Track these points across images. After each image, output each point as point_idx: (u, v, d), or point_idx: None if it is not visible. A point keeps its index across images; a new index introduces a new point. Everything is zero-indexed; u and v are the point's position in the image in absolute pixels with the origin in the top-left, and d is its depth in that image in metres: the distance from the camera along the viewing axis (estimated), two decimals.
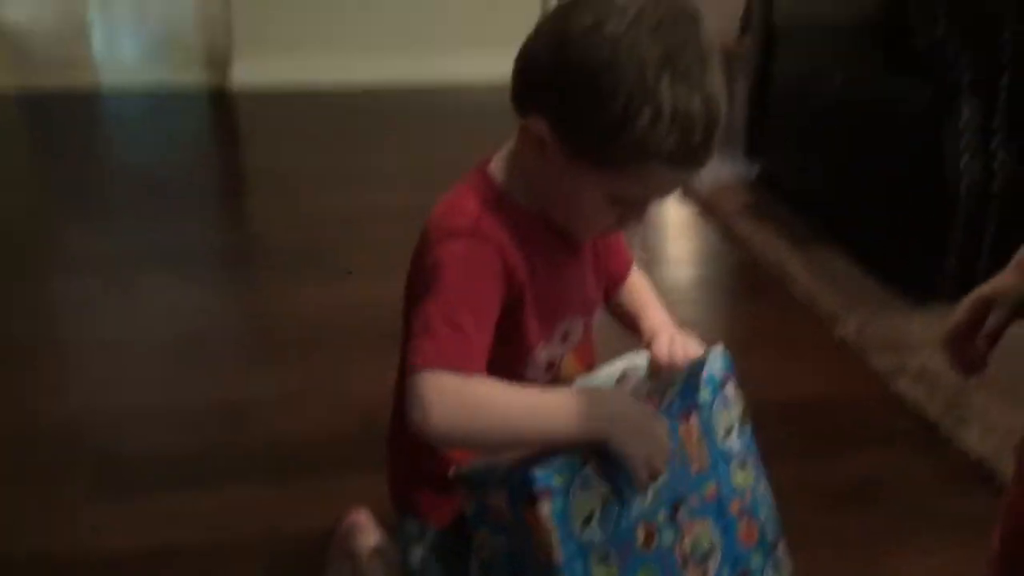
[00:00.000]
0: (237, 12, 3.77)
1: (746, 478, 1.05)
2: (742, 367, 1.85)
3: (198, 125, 3.62)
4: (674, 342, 1.05)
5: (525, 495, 0.90)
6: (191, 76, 4.00)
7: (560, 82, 0.85)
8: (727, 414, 1.05)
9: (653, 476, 0.91)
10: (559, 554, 0.91)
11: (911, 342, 1.87)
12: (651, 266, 2.32)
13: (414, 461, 1.03)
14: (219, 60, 3.95)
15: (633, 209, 0.92)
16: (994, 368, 1.77)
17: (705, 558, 0.99)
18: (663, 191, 0.92)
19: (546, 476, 0.90)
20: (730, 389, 1.06)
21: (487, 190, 0.94)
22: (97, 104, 3.75)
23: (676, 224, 2.60)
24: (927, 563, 1.34)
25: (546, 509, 0.90)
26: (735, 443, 1.04)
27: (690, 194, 2.70)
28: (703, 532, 0.99)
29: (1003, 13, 1.86)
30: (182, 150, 3.19)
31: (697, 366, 1.04)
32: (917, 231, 2.03)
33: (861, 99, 2.19)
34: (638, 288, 1.14)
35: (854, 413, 1.72)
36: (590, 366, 1.08)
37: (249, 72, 3.79)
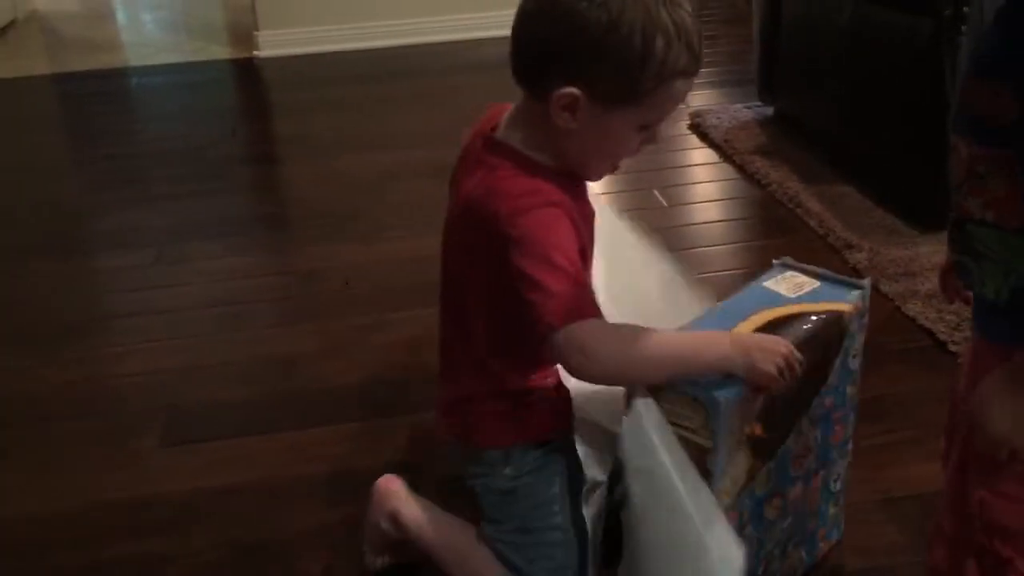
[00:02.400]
0: None
1: (854, 393, 1.24)
2: None
3: (227, 97, 3.74)
4: None
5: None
6: (218, 51, 4.13)
7: (582, 47, 0.97)
8: (860, 337, 1.23)
9: (788, 377, 1.03)
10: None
11: (920, 267, 1.95)
12: (672, 209, 2.41)
13: (493, 395, 1.15)
14: (244, 34, 4.06)
15: (652, 131, 1.06)
16: None
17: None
18: (679, 102, 1.05)
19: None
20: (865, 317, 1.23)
21: (526, 166, 1.05)
22: (127, 82, 3.88)
23: (695, 166, 2.69)
24: (934, 467, 1.43)
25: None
26: (854, 363, 1.22)
27: (708, 137, 2.78)
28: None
29: None
30: (214, 122, 3.30)
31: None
32: (922, 161, 2.10)
33: (866, 36, 2.25)
34: None
35: (869, 334, 1.79)
36: None
37: (274, 44, 3.89)
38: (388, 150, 2.86)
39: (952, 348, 1.71)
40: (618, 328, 1.01)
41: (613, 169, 1.12)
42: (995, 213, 0.84)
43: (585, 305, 1.00)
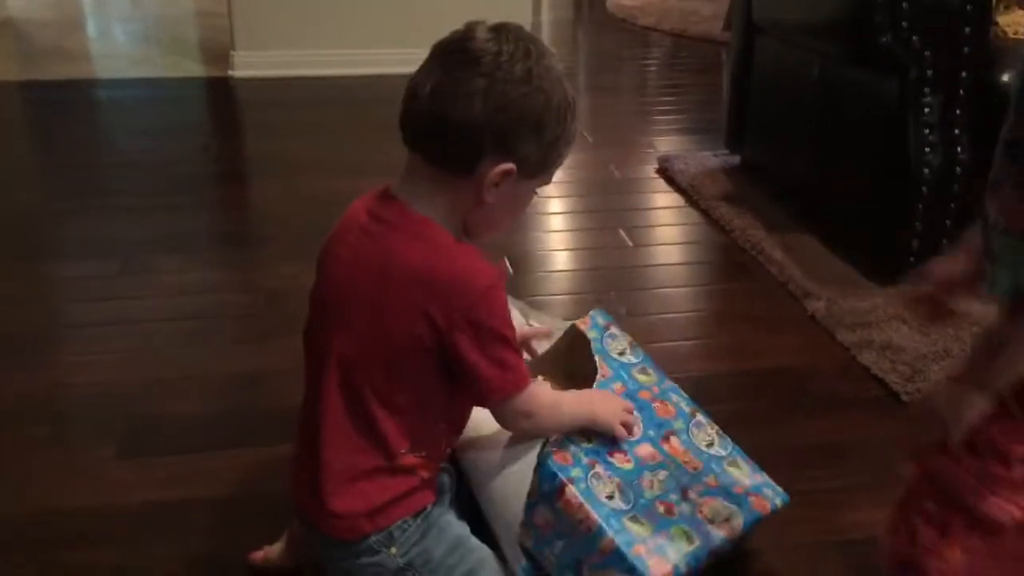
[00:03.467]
0: (237, 7, 3.89)
1: (648, 379, 1.39)
2: (720, 341, 2.01)
3: (199, 114, 3.74)
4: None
5: (556, 488, 1.19)
6: (192, 68, 4.13)
7: (516, 129, 1.06)
8: (615, 343, 1.41)
9: (627, 425, 1.28)
10: (595, 516, 1.17)
11: (876, 318, 2.01)
12: (637, 249, 2.46)
13: (377, 472, 1.14)
14: (219, 53, 4.07)
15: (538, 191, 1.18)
16: (950, 343, 1.92)
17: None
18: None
19: (564, 469, 1.20)
20: (614, 330, 1.44)
21: (457, 243, 1.11)
22: (98, 93, 3.87)
23: (661, 210, 2.74)
24: (883, 515, 1.47)
25: (571, 491, 1.18)
26: (631, 357, 1.42)
27: (675, 182, 2.83)
28: (716, 505, 1.29)
29: (962, 13, 1.99)
30: (185, 138, 3.31)
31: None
32: (884, 216, 2.17)
33: (834, 93, 2.32)
34: None
35: (823, 383, 1.85)
36: None
37: (249, 64, 3.91)
38: (357, 175, 2.86)
39: (904, 398, 1.76)
40: (544, 392, 1.23)
41: None
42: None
43: (527, 376, 1.16)
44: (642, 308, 2.14)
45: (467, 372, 1.09)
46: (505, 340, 1.10)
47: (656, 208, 2.77)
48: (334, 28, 3.95)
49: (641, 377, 1.40)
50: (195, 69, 4.13)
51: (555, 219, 2.67)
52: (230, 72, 3.92)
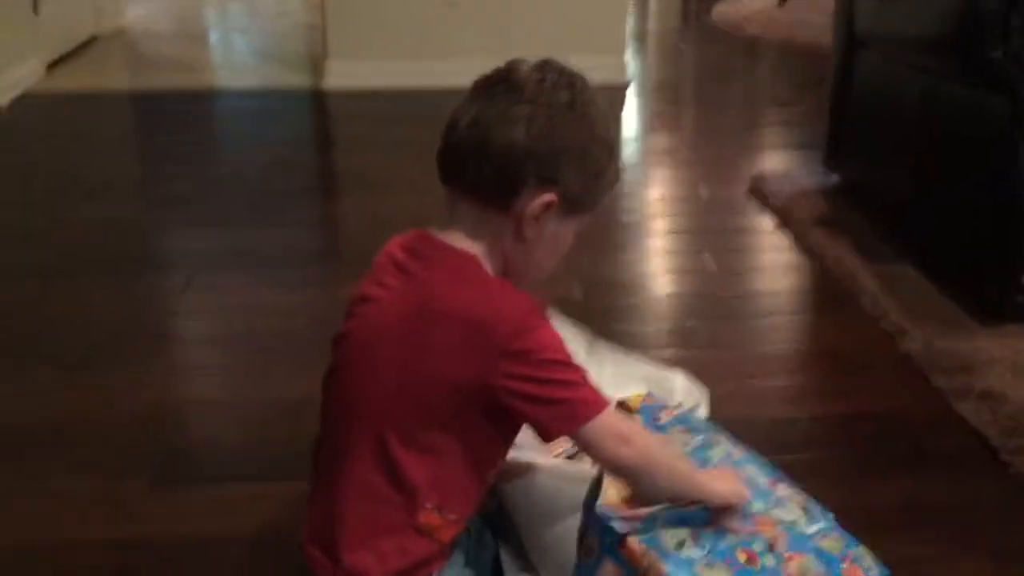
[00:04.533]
0: (332, 21, 3.88)
1: (720, 451, 1.22)
2: (803, 380, 1.85)
3: (290, 126, 3.75)
4: None
5: (617, 538, 1.06)
6: (292, 78, 4.16)
7: (560, 157, 1.02)
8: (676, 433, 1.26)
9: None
10: (663, 566, 1.03)
11: (977, 362, 1.82)
12: (720, 275, 2.31)
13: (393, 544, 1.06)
14: (316, 64, 4.08)
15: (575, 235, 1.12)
16: None
17: None
18: None
19: (622, 523, 1.07)
20: (667, 417, 1.29)
21: (499, 279, 1.07)
22: (199, 104, 3.92)
23: (751, 235, 2.58)
24: None
25: (634, 540, 1.05)
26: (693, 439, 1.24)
27: (767, 203, 2.67)
28: (807, 562, 1.10)
29: None
30: (277, 150, 3.30)
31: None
32: (990, 249, 1.97)
33: (939, 112, 2.13)
34: None
35: (913, 432, 1.68)
36: None
37: (342, 74, 3.90)
38: (440, 196, 2.81)
39: (1004, 457, 1.57)
40: (637, 428, 1.11)
41: None
42: None
43: (601, 398, 1.02)
44: (721, 339, 2.00)
45: (524, 407, 1.00)
46: (560, 362, 1.01)
47: (744, 231, 2.61)
48: (427, 39, 3.90)
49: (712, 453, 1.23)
50: (295, 79, 4.15)
51: (633, 240, 2.55)
52: (323, 82, 3.92)
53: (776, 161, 3.10)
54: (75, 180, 2.95)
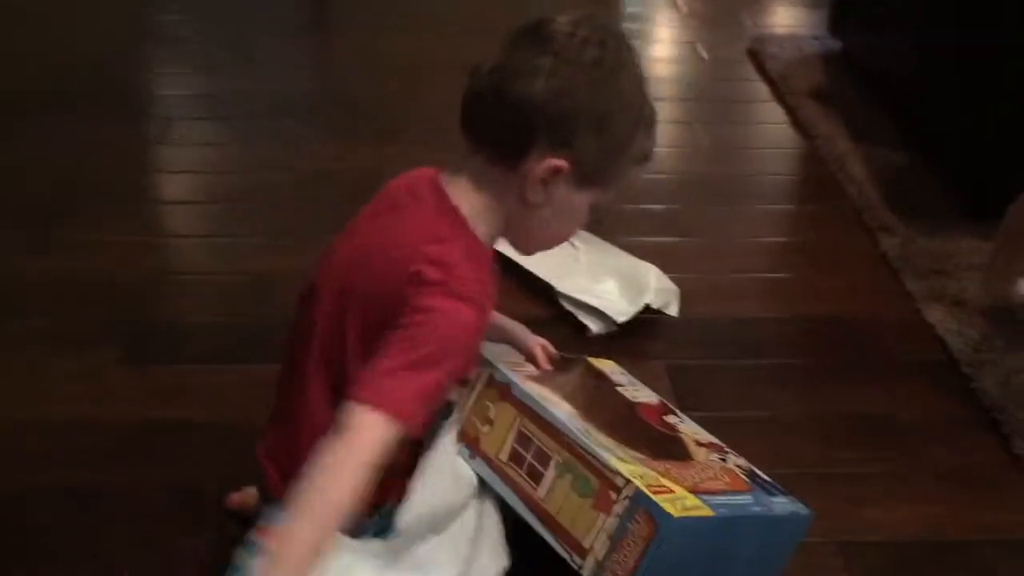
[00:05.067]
0: None
1: None
2: (774, 276, 1.82)
3: None
4: None
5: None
6: None
7: (575, 121, 0.94)
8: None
9: None
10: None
11: (954, 266, 1.79)
12: (710, 149, 2.26)
13: None
14: None
15: (597, 209, 1.04)
16: None
17: None
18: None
19: None
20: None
21: (464, 233, 0.98)
22: None
23: (744, 102, 2.51)
24: (908, 511, 1.34)
25: None
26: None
27: (764, 69, 2.58)
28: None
29: None
30: None
31: None
32: (995, 139, 1.87)
33: None
34: None
35: (881, 339, 1.68)
36: None
37: None
38: (437, 34, 2.68)
39: (965, 370, 1.58)
40: (359, 471, 0.88)
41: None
42: None
43: (409, 414, 0.91)
44: (700, 226, 1.97)
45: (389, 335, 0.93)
46: (427, 356, 0.91)
47: (739, 101, 2.53)
48: None
49: None
50: None
51: None
52: None
53: (779, 17, 2.97)
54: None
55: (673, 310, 1.68)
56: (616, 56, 0.96)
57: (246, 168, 2.09)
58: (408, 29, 2.72)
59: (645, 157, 1.02)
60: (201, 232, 1.90)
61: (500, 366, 1.15)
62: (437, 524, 1.05)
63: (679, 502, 0.98)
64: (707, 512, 1.00)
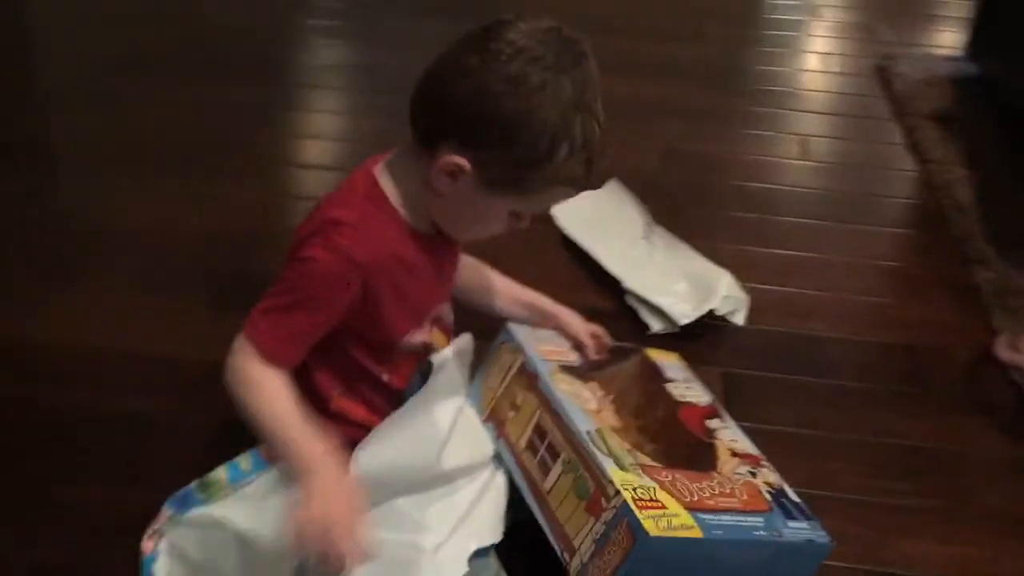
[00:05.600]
0: None
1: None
2: (855, 297, 1.79)
3: None
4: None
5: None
6: None
7: (487, 127, 0.95)
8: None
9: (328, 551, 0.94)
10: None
11: None
12: (810, 162, 2.21)
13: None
14: None
15: (524, 219, 1.06)
16: None
17: None
18: (558, 203, 1.06)
19: None
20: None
21: (376, 204, 1.04)
22: None
23: (857, 117, 2.44)
24: (942, 551, 1.30)
25: None
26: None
27: (889, 85, 2.50)
28: None
29: None
30: None
31: None
32: None
33: None
34: (478, 263, 1.30)
35: (948, 374, 1.62)
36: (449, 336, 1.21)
37: None
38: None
39: None
40: (271, 378, 1.01)
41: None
42: None
43: (275, 350, 1.01)
44: (787, 239, 1.94)
45: None
46: (296, 295, 1.01)
47: (855, 116, 2.46)
48: None
49: None
50: None
51: (730, 110, 2.43)
52: None
53: (921, 35, 2.86)
54: None
55: (739, 318, 1.67)
56: (544, 76, 0.94)
57: (363, 139, 2.18)
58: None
59: (576, 182, 1.00)
60: (306, 194, 1.99)
61: (533, 354, 1.18)
62: (398, 480, 1.06)
63: (665, 519, 0.99)
64: (694, 533, 0.99)
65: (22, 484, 1.29)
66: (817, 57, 2.77)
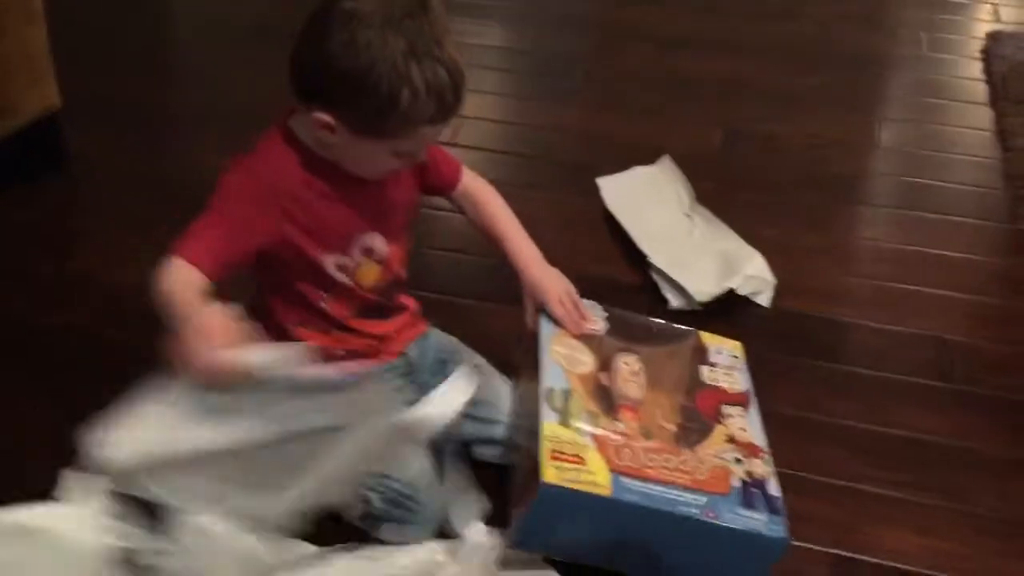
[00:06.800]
0: None
1: None
2: (893, 288, 1.71)
3: None
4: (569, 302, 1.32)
5: None
6: None
7: (335, 87, 1.08)
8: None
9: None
10: None
11: None
12: (895, 153, 2.16)
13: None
14: None
15: (414, 154, 1.17)
16: None
17: None
18: (432, 140, 1.18)
19: None
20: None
21: (285, 140, 1.17)
22: None
23: (953, 107, 2.34)
24: (920, 543, 1.29)
25: None
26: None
27: (989, 67, 2.39)
28: None
29: None
30: None
31: None
32: None
33: None
34: (484, 200, 1.36)
35: (971, 368, 1.57)
36: (398, 275, 1.30)
37: None
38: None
39: None
40: (174, 268, 1.09)
41: (393, 175, 1.21)
42: None
43: (192, 253, 1.10)
44: (835, 225, 1.92)
45: None
46: (214, 213, 1.12)
47: (949, 99, 2.37)
48: None
49: None
50: None
51: (808, 88, 2.37)
52: None
53: None
54: None
55: (764, 300, 1.68)
56: (369, 35, 1.04)
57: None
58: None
59: (434, 120, 1.09)
60: None
61: (543, 319, 1.28)
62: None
63: (574, 472, 1.05)
64: (601, 491, 1.05)
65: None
66: (918, 35, 2.66)
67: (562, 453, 1.06)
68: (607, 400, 1.19)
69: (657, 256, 1.71)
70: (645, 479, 1.08)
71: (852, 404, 1.50)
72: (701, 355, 1.32)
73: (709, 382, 1.28)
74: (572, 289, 1.32)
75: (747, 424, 1.24)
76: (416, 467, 1.19)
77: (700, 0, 2.76)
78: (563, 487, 1.03)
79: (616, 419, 1.16)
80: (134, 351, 1.38)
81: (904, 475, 1.39)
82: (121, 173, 1.96)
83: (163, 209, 1.78)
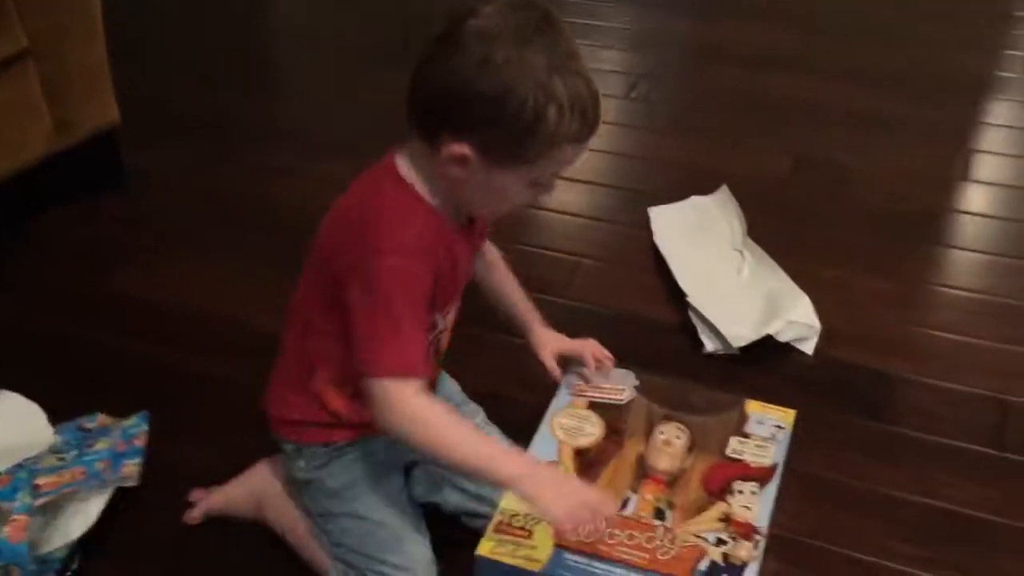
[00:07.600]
0: None
1: None
2: (956, 340, 1.64)
3: None
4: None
5: None
6: None
7: (471, 112, 0.98)
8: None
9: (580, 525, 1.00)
10: None
11: None
12: (963, 184, 2.01)
13: (300, 400, 1.17)
14: None
15: (547, 185, 1.08)
16: None
17: None
18: (571, 163, 1.06)
19: None
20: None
21: (409, 198, 1.06)
22: None
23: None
24: None
25: None
26: None
27: None
28: None
29: None
30: None
31: None
32: None
33: None
34: (495, 262, 1.31)
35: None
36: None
37: None
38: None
39: None
40: (430, 407, 1.02)
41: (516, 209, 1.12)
42: None
43: (411, 364, 1.02)
44: (904, 268, 1.79)
45: (349, 317, 1.04)
46: (389, 311, 1.01)
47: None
48: None
49: None
50: None
51: (893, 116, 2.23)
52: None
53: None
54: None
55: (807, 347, 1.58)
56: (507, 52, 0.96)
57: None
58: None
59: (579, 137, 1.01)
60: None
61: (562, 389, 1.29)
62: None
63: (512, 546, 1.04)
64: (532, 566, 1.04)
65: None
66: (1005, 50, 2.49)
67: (509, 526, 1.06)
68: (638, 471, 1.18)
69: (696, 295, 1.64)
70: (592, 555, 1.05)
71: (891, 469, 1.40)
72: (739, 425, 1.26)
73: (732, 455, 1.22)
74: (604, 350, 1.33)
75: (755, 502, 1.15)
76: (416, 553, 1.16)
77: (799, 15, 2.64)
78: (494, 560, 1.04)
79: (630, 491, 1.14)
80: (172, 371, 1.43)
81: (942, 554, 1.28)
82: (178, 191, 2.01)
83: (219, 232, 1.87)
